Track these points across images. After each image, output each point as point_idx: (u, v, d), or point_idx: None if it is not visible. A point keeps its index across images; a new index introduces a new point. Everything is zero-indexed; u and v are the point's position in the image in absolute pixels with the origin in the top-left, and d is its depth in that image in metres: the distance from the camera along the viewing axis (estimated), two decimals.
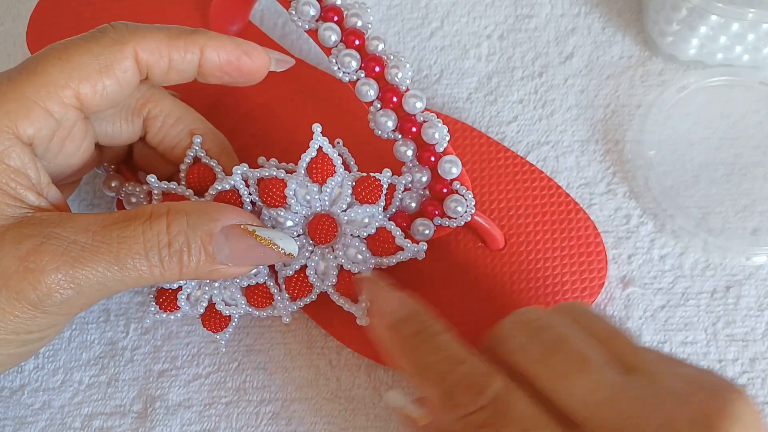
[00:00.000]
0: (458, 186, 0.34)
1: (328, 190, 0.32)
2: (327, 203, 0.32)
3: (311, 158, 0.32)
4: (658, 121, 0.39)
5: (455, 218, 0.34)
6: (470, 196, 0.34)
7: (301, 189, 0.32)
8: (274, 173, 0.32)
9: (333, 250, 0.32)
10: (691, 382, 0.24)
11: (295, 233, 0.32)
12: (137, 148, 0.36)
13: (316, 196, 0.32)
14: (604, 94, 0.41)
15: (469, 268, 0.35)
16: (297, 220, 0.32)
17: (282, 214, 0.32)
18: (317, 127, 0.32)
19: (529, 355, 0.26)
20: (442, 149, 0.34)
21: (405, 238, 0.33)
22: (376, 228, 0.33)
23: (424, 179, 0.34)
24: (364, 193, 0.33)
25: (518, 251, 0.35)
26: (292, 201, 0.32)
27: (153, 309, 0.32)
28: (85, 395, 0.36)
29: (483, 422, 0.25)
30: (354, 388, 0.35)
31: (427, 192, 0.34)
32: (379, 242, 0.33)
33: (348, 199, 0.33)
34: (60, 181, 0.34)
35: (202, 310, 0.32)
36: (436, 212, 0.34)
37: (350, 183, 0.33)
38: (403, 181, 0.34)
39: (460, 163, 0.33)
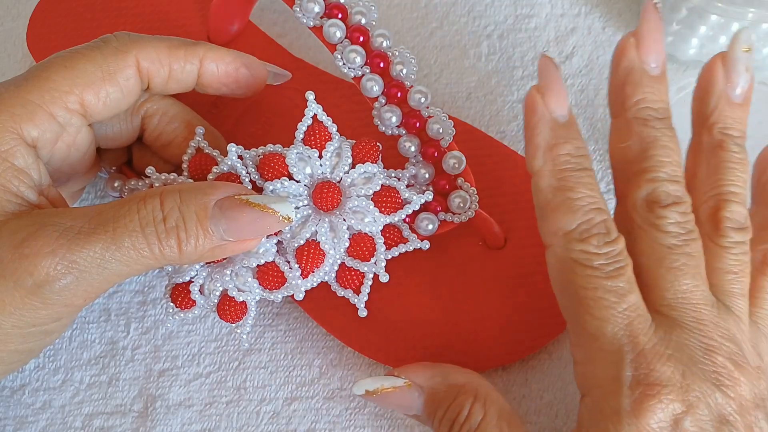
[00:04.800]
0: (462, 182, 0.34)
1: (327, 155, 0.32)
2: (328, 169, 0.33)
3: (308, 126, 0.33)
4: None
5: (459, 214, 0.34)
6: (474, 192, 0.34)
7: (301, 162, 0.32)
8: (271, 149, 0.32)
9: (341, 215, 0.32)
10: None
11: (300, 203, 0.32)
12: (136, 150, 0.36)
13: (317, 163, 0.32)
14: (604, 94, 0.41)
15: (468, 268, 0.35)
16: (300, 190, 0.32)
17: (286, 185, 0.32)
18: (310, 95, 0.33)
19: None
20: (446, 145, 0.34)
21: (410, 229, 0.33)
22: (381, 185, 0.33)
23: (428, 175, 0.34)
24: (362, 154, 0.33)
25: (518, 250, 0.35)
26: (294, 169, 0.32)
27: (171, 310, 0.32)
28: (86, 395, 0.36)
29: (601, 266, 0.28)
30: None
31: (431, 188, 0.34)
32: (385, 199, 0.33)
33: (349, 160, 0.33)
34: (63, 188, 0.34)
35: (216, 301, 0.32)
36: (440, 208, 0.34)
37: (348, 146, 0.33)
38: (407, 175, 0.34)
39: (464, 159, 0.33)
